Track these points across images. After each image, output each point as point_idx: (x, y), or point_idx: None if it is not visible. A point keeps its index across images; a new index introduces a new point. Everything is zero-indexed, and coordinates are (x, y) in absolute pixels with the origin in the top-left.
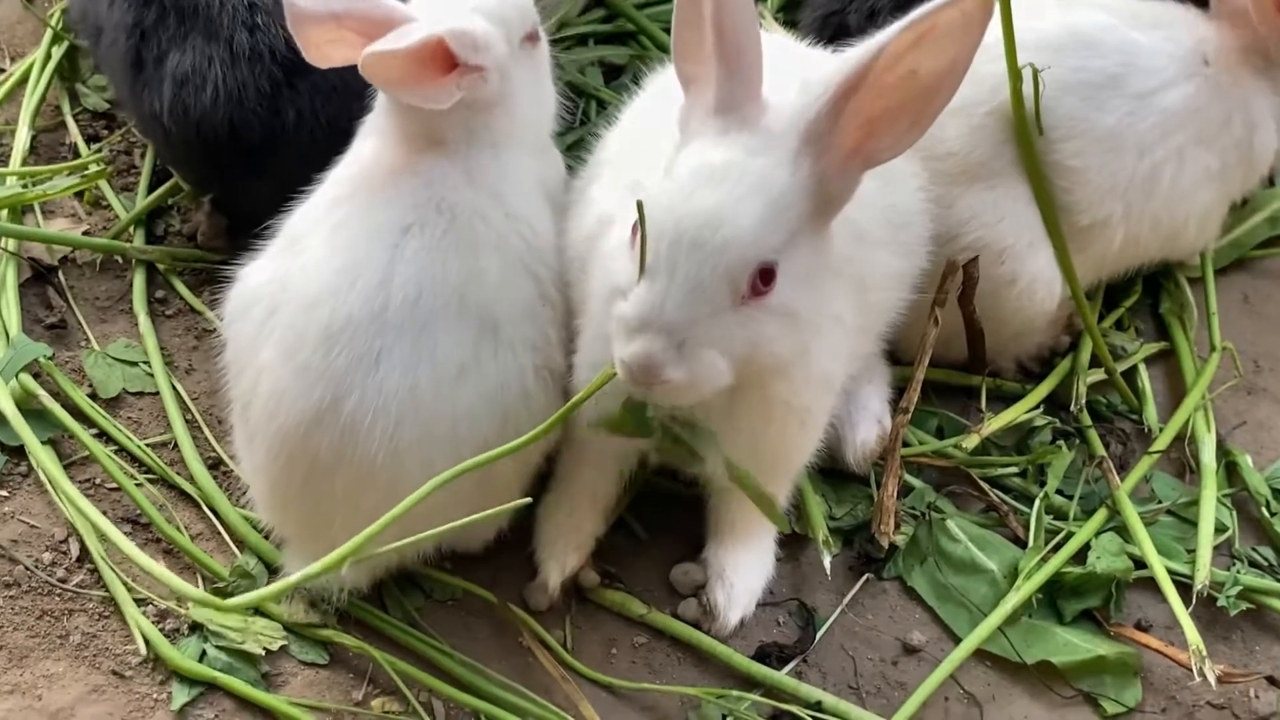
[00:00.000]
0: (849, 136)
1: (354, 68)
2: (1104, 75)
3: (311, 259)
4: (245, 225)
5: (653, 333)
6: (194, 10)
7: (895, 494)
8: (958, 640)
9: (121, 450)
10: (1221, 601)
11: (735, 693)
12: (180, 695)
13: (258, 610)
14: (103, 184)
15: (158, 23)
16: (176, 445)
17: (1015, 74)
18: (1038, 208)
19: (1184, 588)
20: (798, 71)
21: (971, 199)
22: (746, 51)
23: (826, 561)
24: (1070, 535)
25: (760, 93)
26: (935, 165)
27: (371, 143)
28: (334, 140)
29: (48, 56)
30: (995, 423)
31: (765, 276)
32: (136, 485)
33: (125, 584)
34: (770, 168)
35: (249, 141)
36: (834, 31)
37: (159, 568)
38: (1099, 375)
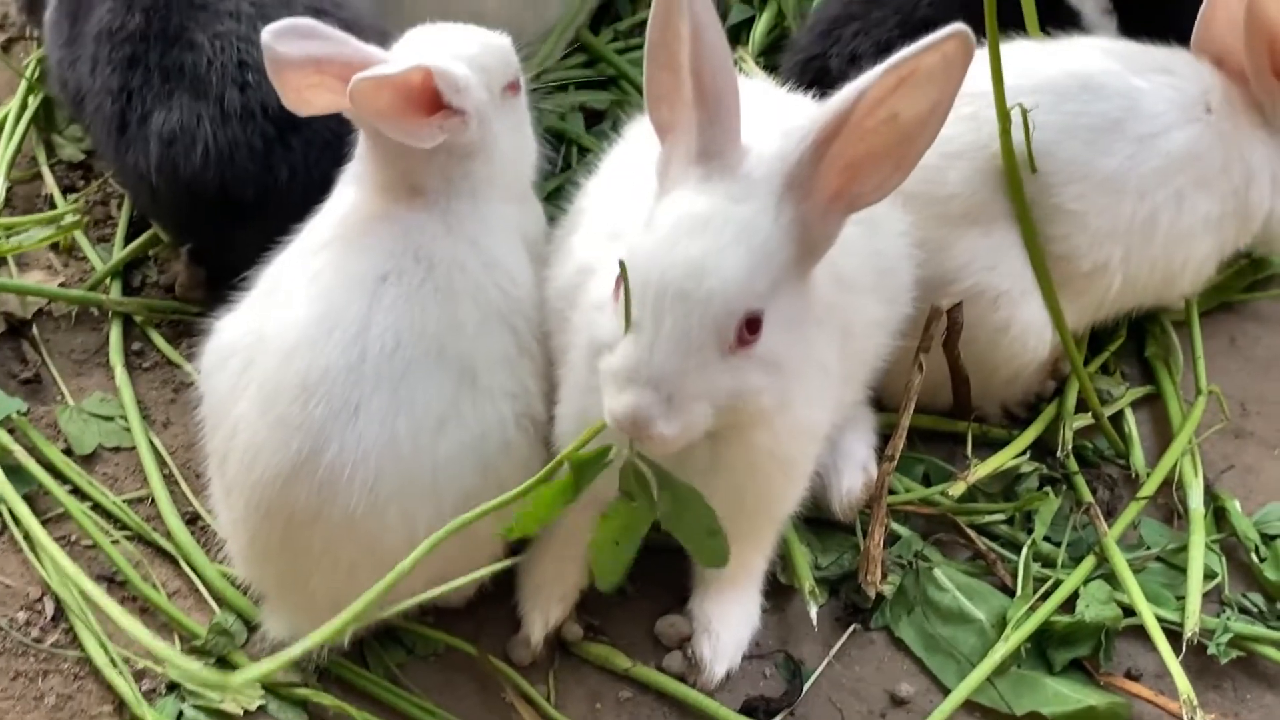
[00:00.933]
0: (831, 181)
1: (347, 122)
2: (1106, 119)
3: (288, 309)
4: (224, 276)
5: (641, 385)
6: (179, 69)
7: (882, 543)
8: (947, 691)
9: (97, 507)
10: (1212, 649)
11: None
12: None
13: (235, 668)
14: (79, 235)
15: (144, 83)
16: (153, 500)
17: (1004, 116)
18: (1028, 254)
19: (1173, 635)
20: (778, 117)
21: (968, 244)
22: (725, 96)
23: (813, 612)
24: (1059, 583)
25: (740, 137)
26: (937, 209)
27: (350, 192)
28: (327, 194)
29: (23, 107)
30: (982, 469)
31: (752, 325)
32: (113, 542)
33: (102, 643)
34: (753, 215)
35: (240, 199)
36: (815, 76)
37: (139, 627)
38: (1085, 420)
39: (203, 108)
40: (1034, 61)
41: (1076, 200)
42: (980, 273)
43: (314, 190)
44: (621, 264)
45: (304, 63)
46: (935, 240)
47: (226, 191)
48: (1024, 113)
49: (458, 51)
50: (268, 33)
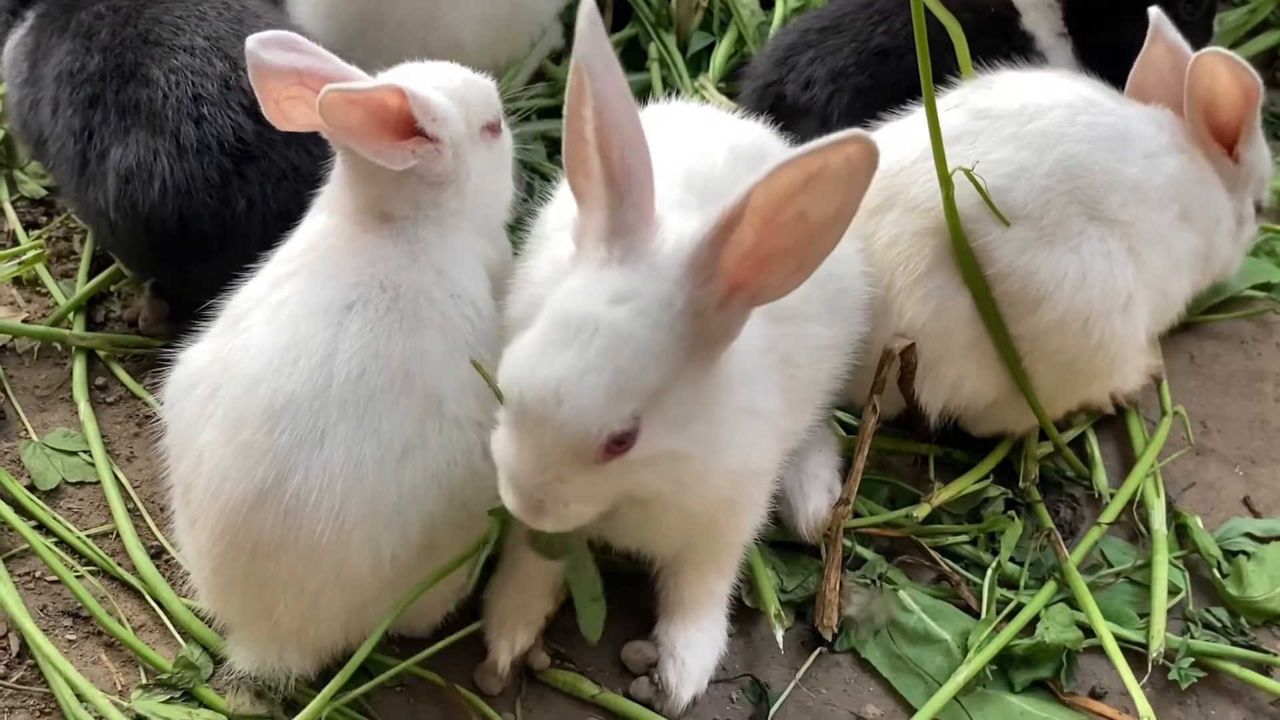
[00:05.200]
0: (734, 271)
1: (305, 154)
2: (1115, 130)
3: (254, 337)
4: (187, 310)
5: (515, 488)
6: (135, 105)
7: (837, 586)
8: (913, 712)
9: (62, 542)
10: (1173, 674)
11: None
12: None
13: (201, 701)
14: (42, 270)
15: (102, 121)
16: (118, 535)
17: (946, 181)
18: (977, 305)
19: (1139, 653)
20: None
21: (1055, 262)
22: (636, 176)
23: (779, 635)
24: (1021, 605)
25: (651, 216)
26: (1020, 233)
27: (319, 220)
28: (286, 227)
29: None
30: (945, 493)
31: (621, 439)
32: (78, 577)
33: (67, 679)
34: (631, 319)
35: (199, 233)
36: (772, 102)
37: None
38: (1049, 448)
39: (159, 143)
40: (1027, 82)
41: (1121, 209)
42: (1073, 292)
43: (272, 222)
44: (477, 366)
45: (286, 72)
46: (1021, 266)
47: (185, 225)
48: (967, 172)
49: (439, 83)
50: (253, 40)
